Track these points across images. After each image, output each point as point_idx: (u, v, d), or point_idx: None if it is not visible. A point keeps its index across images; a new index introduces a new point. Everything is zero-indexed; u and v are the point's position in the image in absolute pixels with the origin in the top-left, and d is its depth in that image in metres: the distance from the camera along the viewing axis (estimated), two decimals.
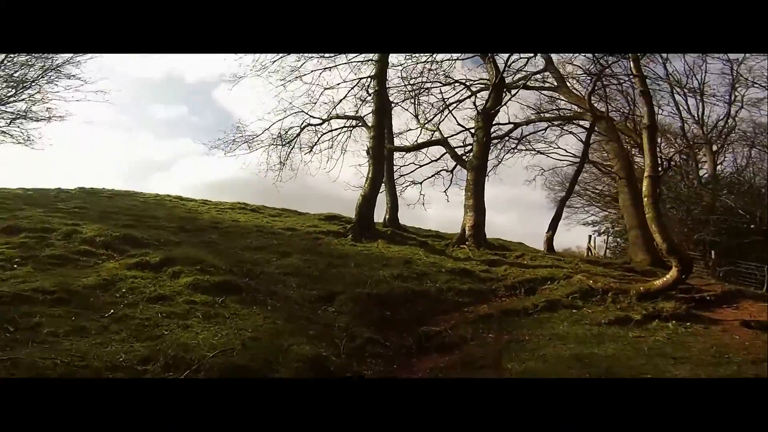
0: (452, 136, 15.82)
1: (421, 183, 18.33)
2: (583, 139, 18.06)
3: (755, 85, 17.85)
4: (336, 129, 17.95)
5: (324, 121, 17.40)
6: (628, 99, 18.32)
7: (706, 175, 21.98)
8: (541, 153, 18.44)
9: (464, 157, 14.55)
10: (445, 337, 5.83)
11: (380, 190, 17.36)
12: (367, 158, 13.17)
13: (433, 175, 18.30)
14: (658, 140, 19.80)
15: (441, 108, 17.00)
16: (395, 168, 17.92)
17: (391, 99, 17.74)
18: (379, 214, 16.80)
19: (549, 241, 12.92)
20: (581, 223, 28.60)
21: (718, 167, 22.26)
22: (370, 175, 12.81)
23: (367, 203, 12.44)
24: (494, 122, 14.49)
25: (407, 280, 7.82)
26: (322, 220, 15.67)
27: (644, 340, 5.22)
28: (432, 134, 16.51)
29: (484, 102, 14.07)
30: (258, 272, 7.33)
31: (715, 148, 21.84)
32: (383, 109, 13.80)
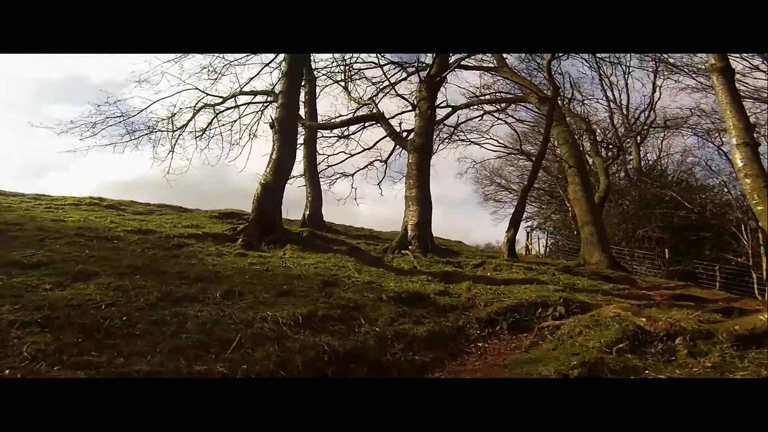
0: (392, 117, 12.74)
1: (352, 175, 15.37)
2: (516, 129, 16.61)
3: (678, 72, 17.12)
4: (241, 105, 13.87)
5: (224, 99, 13.27)
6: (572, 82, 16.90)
7: (631, 169, 21.69)
8: (475, 143, 16.86)
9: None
10: None
11: (294, 179, 13.80)
12: (273, 135, 9.30)
13: (366, 166, 15.29)
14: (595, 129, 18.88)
15: (379, 85, 13.86)
16: (322, 158, 14.65)
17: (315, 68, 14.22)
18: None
19: (510, 242, 10.24)
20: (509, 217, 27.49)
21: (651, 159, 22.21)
22: (274, 156, 8.95)
23: (268, 195, 8.58)
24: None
25: (323, 327, 4.28)
26: (213, 218, 11.46)
27: None
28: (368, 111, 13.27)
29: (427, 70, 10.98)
30: None
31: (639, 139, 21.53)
32: (298, 74, 9.96)
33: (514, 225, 10.53)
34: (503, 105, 15.30)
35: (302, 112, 13.58)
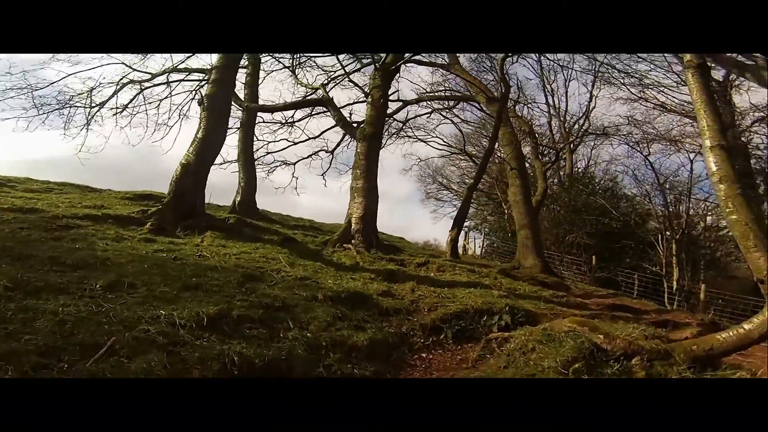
0: (343, 107, 11.94)
1: (294, 164, 14.51)
2: (462, 130, 16.75)
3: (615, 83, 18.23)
4: (173, 83, 12.28)
5: (154, 75, 11.65)
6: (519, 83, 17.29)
7: (563, 174, 22.87)
8: (422, 140, 16.80)
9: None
10: None
11: (227, 164, 12.47)
12: (200, 113, 8.06)
13: (310, 156, 14.35)
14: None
15: (331, 74, 12.96)
16: (261, 144, 13.68)
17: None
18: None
19: (454, 242, 9.88)
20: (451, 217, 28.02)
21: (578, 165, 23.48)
22: (199, 135, 7.69)
23: (189, 176, 7.33)
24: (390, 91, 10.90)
25: (237, 331, 3.38)
26: (124, 200, 9.80)
27: None
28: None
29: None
30: None
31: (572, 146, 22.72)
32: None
33: (457, 224, 10.22)
34: (452, 103, 15.18)
35: (242, 94, 12.60)
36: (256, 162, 13.07)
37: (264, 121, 14.08)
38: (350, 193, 9.04)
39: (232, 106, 11.07)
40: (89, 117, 11.33)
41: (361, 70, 13.59)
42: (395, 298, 5.46)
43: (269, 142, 14.14)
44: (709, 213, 16.47)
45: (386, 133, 14.43)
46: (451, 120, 16.52)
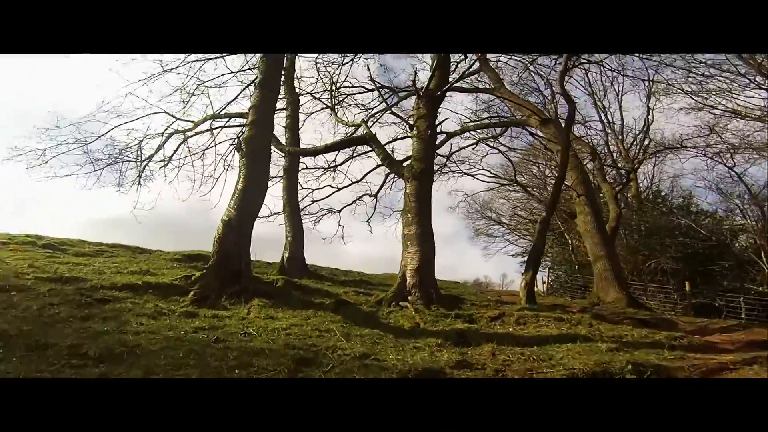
0: (385, 144, 11.52)
1: (339, 211, 14.03)
2: (511, 159, 15.59)
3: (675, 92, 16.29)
4: (215, 129, 12.49)
5: (196, 123, 11.91)
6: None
7: (629, 196, 20.60)
8: (468, 174, 16.08)
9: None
10: None
11: (266, 216, 12.20)
12: (239, 159, 7.68)
13: (354, 201, 13.88)
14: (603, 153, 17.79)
15: (371, 110, 12.73)
16: (305, 192, 13.41)
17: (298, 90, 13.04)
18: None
19: (529, 285, 8.54)
20: (511, 254, 26.16)
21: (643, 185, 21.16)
22: (239, 187, 7.26)
23: (232, 234, 6.82)
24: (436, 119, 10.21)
25: None
26: (173, 261, 9.62)
27: None
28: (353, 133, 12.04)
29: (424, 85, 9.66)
30: None
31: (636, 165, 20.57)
32: (274, 84, 8.49)
33: (533, 265, 8.84)
34: (500, 130, 14.25)
35: (283, 138, 12.36)
36: (301, 212, 12.57)
37: (307, 167, 13.84)
38: (402, 241, 8.16)
39: (274, 152, 10.72)
40: (141, 170, 11.61)
41: (399, 104, 13.22)
42: (474, 368, 4.35)
43: (314, 190, 13.79)
44: None
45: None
46: (498, 149, 15.62)
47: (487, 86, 14.05)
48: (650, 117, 17.19)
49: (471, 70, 12.01)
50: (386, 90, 13.56)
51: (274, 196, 12.66)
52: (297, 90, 13.05)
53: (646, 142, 18.58)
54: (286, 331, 5.07)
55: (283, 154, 12.02)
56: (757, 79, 14.12)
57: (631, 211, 19.01)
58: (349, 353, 4.42)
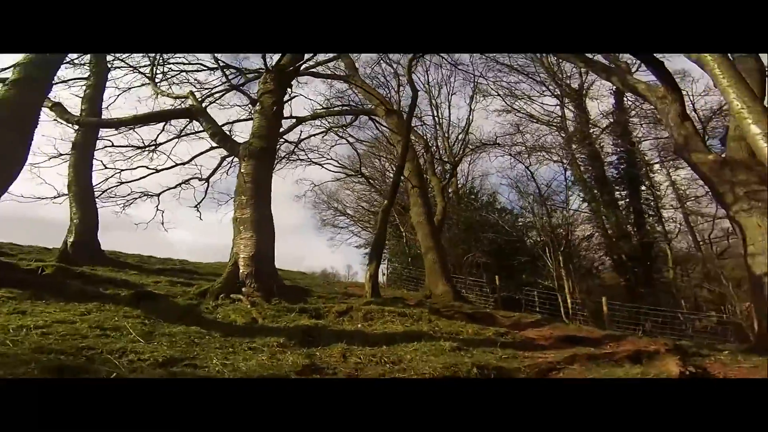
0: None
1: (158, 195, 12.07)
2: (357, 150, 15.90)
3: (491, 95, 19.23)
4: None
5: None
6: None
7: (450, 191, 23.35)
8: (317, 163, 15.38)
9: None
10: None
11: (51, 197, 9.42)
12: None
13: (177, 185, 11.72)
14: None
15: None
16: (112, 173, 11.35)
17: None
18: None
19: (374, 278, 8.32)
20: (355, 245, 26.74)
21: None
22: None
23: None
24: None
25: None
26: None
27: None
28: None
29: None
30: None
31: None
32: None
33: (376, 256, 8.71)
34: (348, 119, 14.23)
35: (78, 109, 10.34)
36: (105, 194, 10.92)
37: (113, 145, 11.42)
38: (234, 225, 6.91)
39: (61, 123, 9.05)
40: None
41: (246, 85, 11.80)
42: (324, 372, 3.67)
43: (122, 171, 11.47)
44: (582, 222, 18.12)
45: (277, 155, 12.61)
46: (346, 139, 15.53)
47: (344, 72, 13.81)
48: (471, 117, 19.64)
49: (329, 56, 11.48)
50: (233, 71, 11.94)
51: (63, 175, 9.99)
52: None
53: (467, 140, 21.34)
54: (44, 329, 3.43)
55: (71, 125, 9.32)
56: (549, 87, 18.07)
57: (452, 205, 21.53)
58: (148, 357, 3.17)
